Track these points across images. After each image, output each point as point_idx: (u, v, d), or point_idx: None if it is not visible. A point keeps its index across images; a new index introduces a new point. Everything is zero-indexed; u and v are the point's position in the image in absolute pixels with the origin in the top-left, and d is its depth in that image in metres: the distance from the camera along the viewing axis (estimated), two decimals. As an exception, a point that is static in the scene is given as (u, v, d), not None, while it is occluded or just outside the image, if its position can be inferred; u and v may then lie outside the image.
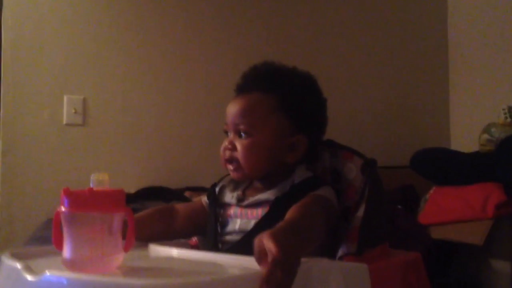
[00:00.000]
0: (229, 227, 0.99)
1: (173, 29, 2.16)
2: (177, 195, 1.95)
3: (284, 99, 0.97)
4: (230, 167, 0.98)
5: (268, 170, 0.98)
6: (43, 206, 1.85)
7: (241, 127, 0.96)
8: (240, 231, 0.97)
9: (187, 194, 1.99)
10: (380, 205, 0.94)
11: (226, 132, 1.01)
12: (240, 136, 0.97)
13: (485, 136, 2.13)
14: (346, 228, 0.92)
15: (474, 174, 2.00)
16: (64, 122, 1.96)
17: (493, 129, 2.11)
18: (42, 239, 1.51)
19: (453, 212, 1.92)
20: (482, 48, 2.57)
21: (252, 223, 0.95)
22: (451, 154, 2.22)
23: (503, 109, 2.15)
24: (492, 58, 2.52)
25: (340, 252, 0.89)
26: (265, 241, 0.66)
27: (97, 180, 0.76)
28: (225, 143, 0.99)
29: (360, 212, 0.90)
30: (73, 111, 1.97)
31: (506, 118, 2.13)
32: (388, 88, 2.61)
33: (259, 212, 0.96)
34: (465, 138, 2.54)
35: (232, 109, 0.99)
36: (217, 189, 1.06)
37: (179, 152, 2.13)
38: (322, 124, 1.04)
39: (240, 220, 0.98)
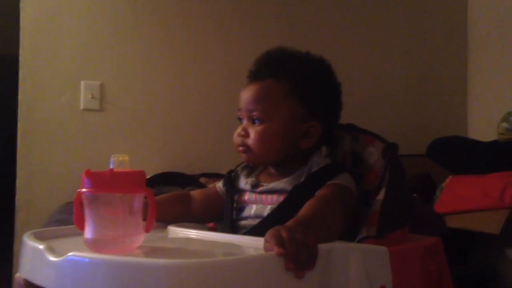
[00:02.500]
0: (245, 212, 0.99)
1: (191, 14, 2.15)
2: (192, 181, 1.96)
3: (297, 85, 0.97)
4: (242, 153, 0.99)
5: (281, 156, 0.98)
6: (61, 190, 1.87)
7: (255, 113, 0.96)
8: (255, 216, 0.97)
9: (202, 180, 1.99)
10: (401, 189, 0.94)
11: (240, 119, 1.01)
12: (253, 122, 0.97)
13: (504, 124, 2.10)
14: (366, 212, 0.91)
15: (492, 163, 1.97)
16: (81, 107, 1.97)
17: (512, 118, 2.08)
18: (60, 222, 1.53)
19: (469, 200, 1.90)
20: (502, 35, 2.51)
21: (268, 208, 0.95)
22: (469, 142, 2.19)
23: (524, 97, 2.12)
24: (512, 45, 2.47)
25: (360, 236, 0.89)
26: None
27: (118, 161, 0.76)
28: (239, 129, 0.99)
29: (381, 195, 0.89)
30: (90, 96, 1.98)
31: (526, 106, 2.10)
32: (404, 75, 2.57)
33: (274, 198, 0.96)
34: (483, 126, 2.50)
35: (245, 95, 0.99)
36: (232, 175, 1.06)
37: (195, 138, 2.13)
38: (336, 109, 1.03)
39: (255, 205, 0.98)
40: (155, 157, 2.06)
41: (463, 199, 1.91)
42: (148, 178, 1.96)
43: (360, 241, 0.86)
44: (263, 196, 0.98)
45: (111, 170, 0.74)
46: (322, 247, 0.71)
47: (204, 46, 2.17)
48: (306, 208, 0.84)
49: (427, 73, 2.62)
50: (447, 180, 2.05)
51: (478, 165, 2.01)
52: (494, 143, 2.11)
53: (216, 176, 1.99)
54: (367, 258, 0.75)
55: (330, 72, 1.03)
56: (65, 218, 1.55)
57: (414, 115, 2.58)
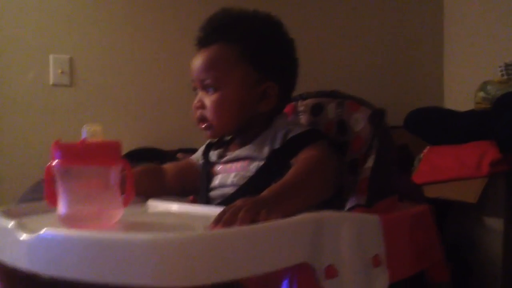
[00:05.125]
0: (212, 183, 0.98)
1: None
2: (169, 156, 1.91)
3: (246, 47, 0.93)
4: (202, 126, 0.96)
5: (241, 123, 0.95)
6: (32, 169, 1.80)
7: (207, 81, 0.94)
8: (220, 185, 0.96)
9: (179, 156, 1.95)
10: (390, 156, 0.92)
11: (195, 89, 0.98)
12: (207, 91, 0.94)
13: (481, 94, 2.10)
14: (354, 180, 0.89)
15: (469, 132, 1.97)
16: (51, 82, 1.90)
17: (489, 87, 2.07)
18: (33, 201, 1.48)
19: (447, 170, 1.91)
20: (478, 4, 2.51)
21: (232, 175, 0.94)
22: (446, 113, 2.19)
23: (500, 66, 2.11)
24: (488, 14, 2.46)
25: (349, 204, 0.87)
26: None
27: (90, 131, 0.71)
28: (195, 101, 0.96)
29: (369, 163, 0.87)
30: (60, 71, 1.90)
31: (502, 75, 2.10)
32: (381, 47, 2.55)
33: (239, 165, 0.95)
34: (459, 96, 2.51)
35: (196, 64, 0.96)
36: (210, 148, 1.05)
37: (171, 112, 2.07)
38: (291, 67, 1.00)
39: (220, 175, 0.97)
40: (130, 133, 2.00)
41: (441, 169, 1.92)
42: (124, 154, 1.91)
43: (350, 210, 0.84)
44: (228, 165, 0.97)
45: (84, 140, 0.69)
46: (312, 216, 0.68)
47: (179, 15, 2.08)
48: (289, 174, 0.81)
49: (403, 45, 2.61)
50: (425, 150, 2.05)
51: (455, 135, 2.02)
52: (470, 112, 2.11)
53: (193, 152, 1.95)
54: (360, 227, 0.73)
55: (281, 29, 0.99)
56: (39, 197, 1.50)
57: (391, 87, 2.57)
